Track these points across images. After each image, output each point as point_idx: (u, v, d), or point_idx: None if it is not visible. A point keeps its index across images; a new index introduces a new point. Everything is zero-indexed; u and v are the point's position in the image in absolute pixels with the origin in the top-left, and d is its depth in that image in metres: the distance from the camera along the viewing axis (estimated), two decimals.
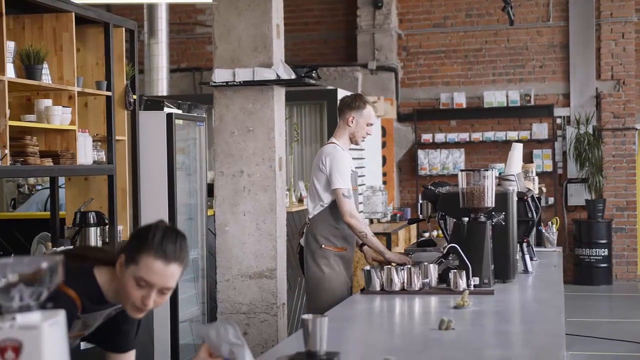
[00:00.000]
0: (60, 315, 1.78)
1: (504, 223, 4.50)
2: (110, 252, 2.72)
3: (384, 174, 12.32)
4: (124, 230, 5.80)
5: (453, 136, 12.76)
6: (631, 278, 12.48)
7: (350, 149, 8.80)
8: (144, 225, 2.67)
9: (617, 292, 11.84)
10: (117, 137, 5.66)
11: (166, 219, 6.25)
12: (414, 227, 11.32)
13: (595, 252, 12.12)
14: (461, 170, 4.44)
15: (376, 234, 9.02)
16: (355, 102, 5.25)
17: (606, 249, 12.14)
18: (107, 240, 5.55)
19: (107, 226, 5.53)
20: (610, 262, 12.21)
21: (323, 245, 5.15)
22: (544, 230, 6.38)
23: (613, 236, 12.32)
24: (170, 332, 6.22)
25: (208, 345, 2.47)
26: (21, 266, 1.75)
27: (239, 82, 5.61)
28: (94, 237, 5.37)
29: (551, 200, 12.45)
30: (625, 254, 12.50)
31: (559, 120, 12.63)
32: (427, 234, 11.58)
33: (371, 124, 5.28)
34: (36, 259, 1.77)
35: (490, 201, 4.37)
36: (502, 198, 4.52)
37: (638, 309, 10.75)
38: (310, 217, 5.24)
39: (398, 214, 11.15)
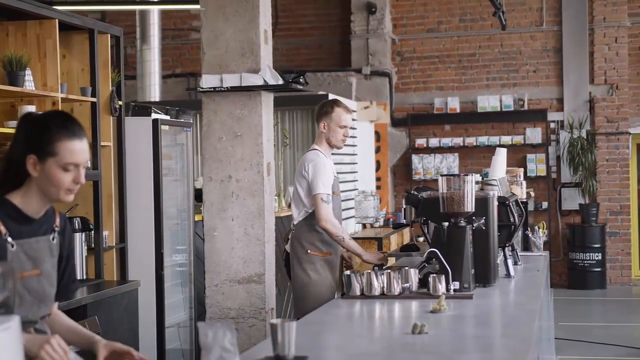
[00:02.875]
0: (14, 321, 1.80)
1: (484, 227, 4.52)
2: (9, 180, 2.72)
3: (378, 179, 12.35)
4: (109, 236, 5.81)
5: (447, 141, 12.78)
6: (625, 282, 12.48)
7: (340, 154, 8.82)
8: (30, 120, 2.72)
9: (611, 296, 11.85)
10: (102, 143, 5.68)
11: (152, 224, 6.27)
12: (407, 231, 11.33)
13: (589, 256, 12.12)
14: (441, 175, 4.46)
15: (368, 239, 9.11)
16: (324, 107, 5.38)
17: (600, 253, 12.15)
18: (92, 246, 5.56)
19: (92, 232, 5.54)
20: (604, 267, 12.22)
21: (309, 251, 5.24)
22: (530, 235, 6.39)
23: (607, 240, 12.33)
24: (156, 337, 6.23)
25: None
26: None
27: (227, 87, 5.63)
28: (79, 242, 5.38)
29: (545, 204, 12.47)
30: (619, 258, 12.51)
31: (552, 125, 12.65)
32: (421, 239, 11.59)
33: (344, 126, 5.34)
34: None
35: (470, 206, 4.38)
36: (482, 203, 4.53)
37: (631, 313, 10.76)
38: (295, 222, 5.33)
39: (391, 219, 11.15)
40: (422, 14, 13.04)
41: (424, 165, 12.85)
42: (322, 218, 5.12)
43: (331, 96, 9.98)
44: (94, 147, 5.59)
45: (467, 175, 4.41)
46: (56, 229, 2.81)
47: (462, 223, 4.40)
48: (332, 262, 5.30)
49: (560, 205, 12.61)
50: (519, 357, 2.89)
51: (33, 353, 2.57)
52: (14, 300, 2.52)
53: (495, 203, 4.67)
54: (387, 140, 12.60)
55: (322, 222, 5.12)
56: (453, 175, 4.44)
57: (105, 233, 5.68)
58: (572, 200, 12.48)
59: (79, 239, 5.40)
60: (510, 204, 5.02)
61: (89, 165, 5.54)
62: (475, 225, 4.47)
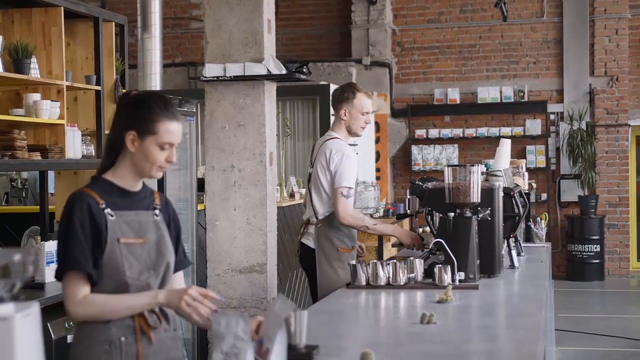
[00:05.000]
0: (34, 307, 1.80)
1: (489, 218, 4.52)
2: (106, 159, 2.90)
3: (378, 170, 12.35)
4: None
5: (447, 132, 12.78)
6: (623, 274, 12.52)
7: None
8: (131, 99, 2.89)
9: (609, 288, 11.88)
10: (106, 131, 5.67)
11: None
12: (407, 222, 11.34)
13: (588, 248, 12.15)
14: (447, 166, 4.45)
15: None
16: (344, 93, 5.14)
17: (598, 245, 12.17)
18: None
19: None
20: (602, 258, 12.25)
21: (339, 248, 5.05)
22: (532, 226, 6.40)
23: (605, 232, 12.36)
24: None
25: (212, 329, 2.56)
26: None
27: (230, 77, 5.62)
28: None
29: (544, 196, 12.48)
30: (618, 250, 12.54)
31: (552, 116, 12.66)
32: (420, 229, 11.60)
33: (366, 113, 5.14)
34: (8, 251, 1.79)
35: (476, 196, 4.38)
36: (488, 193, 4.53)
37: (629, 305, 10.80)
38: (319, 217, 5.09)
39: (391, 210, 11.17)
40: (422, 5, 13.02)
41: (423, 156, 12.85)
42: (340, 214, 4.91)
43: (333, 87, 9.97)
44: (98, 135, 5.58)
45: (473, 165, 4.41)
46: (157, 206, 2.94)
47: (468, 214, 4.40)
48: (354, 256, 5.19)
49: (559, 197, 12.62)
50: (528, 348, 2.89)
51: (174, 306, 2.73)
52: (123, 263, 2.75)
53: (501, 194, 4.67)
54: (387, 131, 12.60)
55: (341, 218, 4.92)
56: (459, 165, 4.43)
57: None
58: (571, 192, 12.49)
59: None
60: (515, 195, 5.03)
61: (94, 154, 5.54)
62: (480, 216, 4.47)
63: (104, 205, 2.78)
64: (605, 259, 12.35)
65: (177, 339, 2.94)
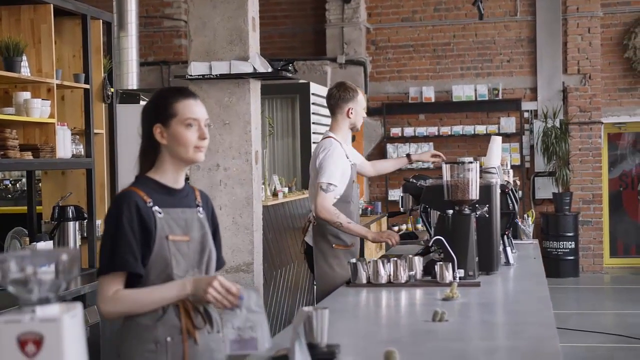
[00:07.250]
0: (79, 308, 1.77)
1: (487, 215, 4.53)
2: (143, 163, 2.90)
3: None
4: (102, 225, 5.73)
5: (422, 130, 12.82)
6: (597, 270, 12.63)
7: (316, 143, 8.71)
8: (147, 101, 2.94)
9: (584, 284, 11.98)
10: (95, 131, 5.60)
11: None
12: (384, 220, 11.37)
13: (562, 244, 12.24)
14: (446, 163, 4.45)
15: None
16: (349, 92, 5.17)
17: (573, 242, 12.27)
18: (85, 235, 5.49)
19: (85, 220, 5.47)
20: (577, 255, 12.35)
21: (334, 245, 5.06)
22: (520, 223, 6.43)
23: (579, 229, 12.46)
24: None
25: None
26: (40, 258, 1.73)
27: (215, 75, 5.58)
28: (73, 231, 5.31)
29: (519, 193, 12.54)
30: (592, 246, 12.65)
31: (526, 114, 12.74)
32: (396, 228, 11.64)
33: (364, 108, 5.26)
34: (56, 251, 1.75)
35: (474, 193, 4.39)
36: (485, 190, 4.54)
37: (605, 301, 10.90)
38: (315, 215, 5.08)
39: (369, 208, 11.19)
40: (396, 3, 13.05)
41: (398, 155, 12.86)
42: (317, 207, 4.93)
43: (313, 85, 9.97)
44: (87, 135, 5.51)
45: (471, 162, 4.41)
46: (199, 204, 2.92)
47: (467, 211, 4.40)
48: (354, 253, 5.14)
49: (533, 194, 12.71)
50: (547, 344, 2.90)
51: (199, 297, 2.71)
52: (171, 261, 2.74)
53: (498, 191, 4.69)
54: (362, 130, 12.59)
55: (318, 211, 4.94)
56: (457, 163, 4.44)
57: (98, 221, 5.60)
58: (545, 189, 12.59)
59: (72, 227, 5.32)
60: (509, 191, 5.05)
61: (83, 153, 5.47)
62: (478, 212, 4.48)
63: (151, 203, 2.78)
64: (580, 256, 12.45)
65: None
